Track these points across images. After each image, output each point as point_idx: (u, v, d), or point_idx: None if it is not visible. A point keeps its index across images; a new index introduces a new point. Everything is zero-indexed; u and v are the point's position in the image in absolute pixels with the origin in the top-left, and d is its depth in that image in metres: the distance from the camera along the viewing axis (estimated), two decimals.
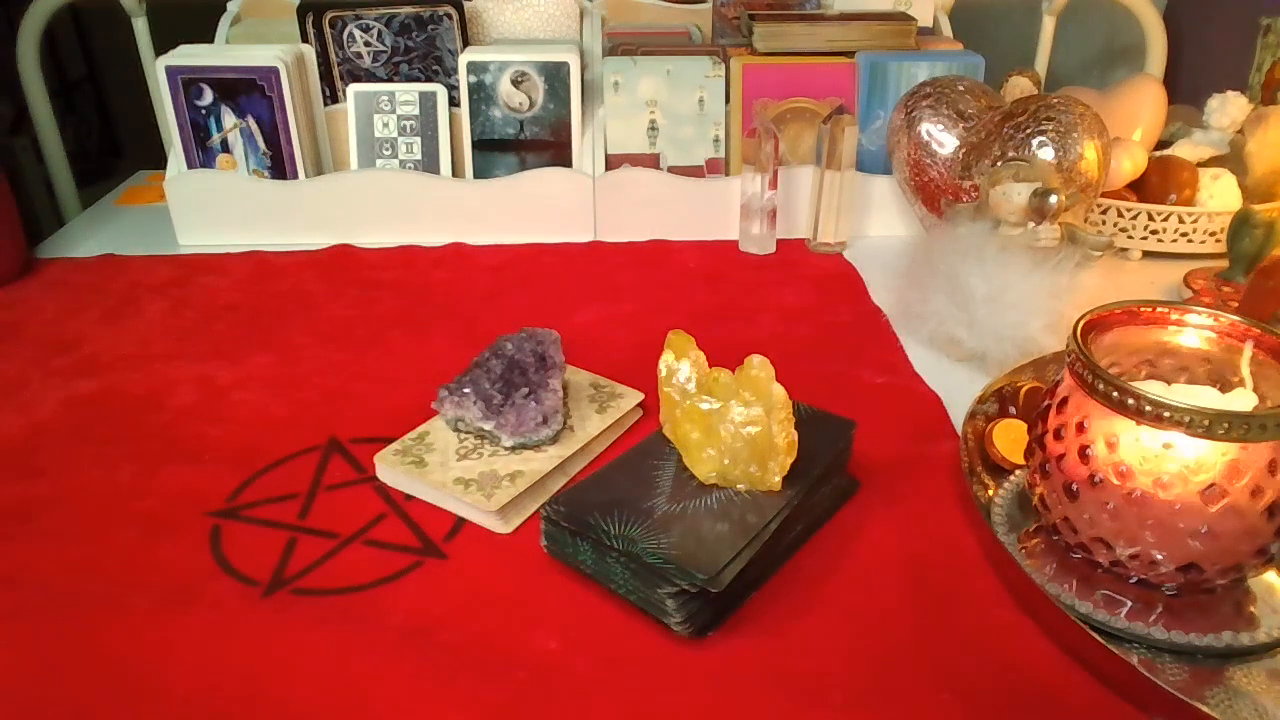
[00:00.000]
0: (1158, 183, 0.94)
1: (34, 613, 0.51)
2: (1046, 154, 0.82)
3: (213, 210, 1.00)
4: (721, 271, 0.94)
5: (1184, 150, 0.98)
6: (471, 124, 1.00)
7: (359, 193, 1.00)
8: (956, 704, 0.45)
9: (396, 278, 0.93)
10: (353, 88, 1.00)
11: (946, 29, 1.13)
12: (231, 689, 0.46)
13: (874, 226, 1.04)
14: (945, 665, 0.47)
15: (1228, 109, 0.98)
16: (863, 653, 0.48)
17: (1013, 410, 0.64)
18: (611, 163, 1.02)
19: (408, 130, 1.01)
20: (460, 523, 0.58)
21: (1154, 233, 0.94)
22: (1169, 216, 0.93)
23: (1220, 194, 0.93)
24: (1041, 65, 1.27)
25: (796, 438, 0.54)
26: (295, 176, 1.01)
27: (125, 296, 0.89)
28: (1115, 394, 0.45)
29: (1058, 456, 0.49)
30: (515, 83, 0.99)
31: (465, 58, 0.98)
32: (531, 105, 1.00)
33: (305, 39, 1.01)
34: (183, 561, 0.55)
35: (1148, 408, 0.44)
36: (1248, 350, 0.49)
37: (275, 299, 0.89)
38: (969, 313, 0.74)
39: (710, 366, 0.56)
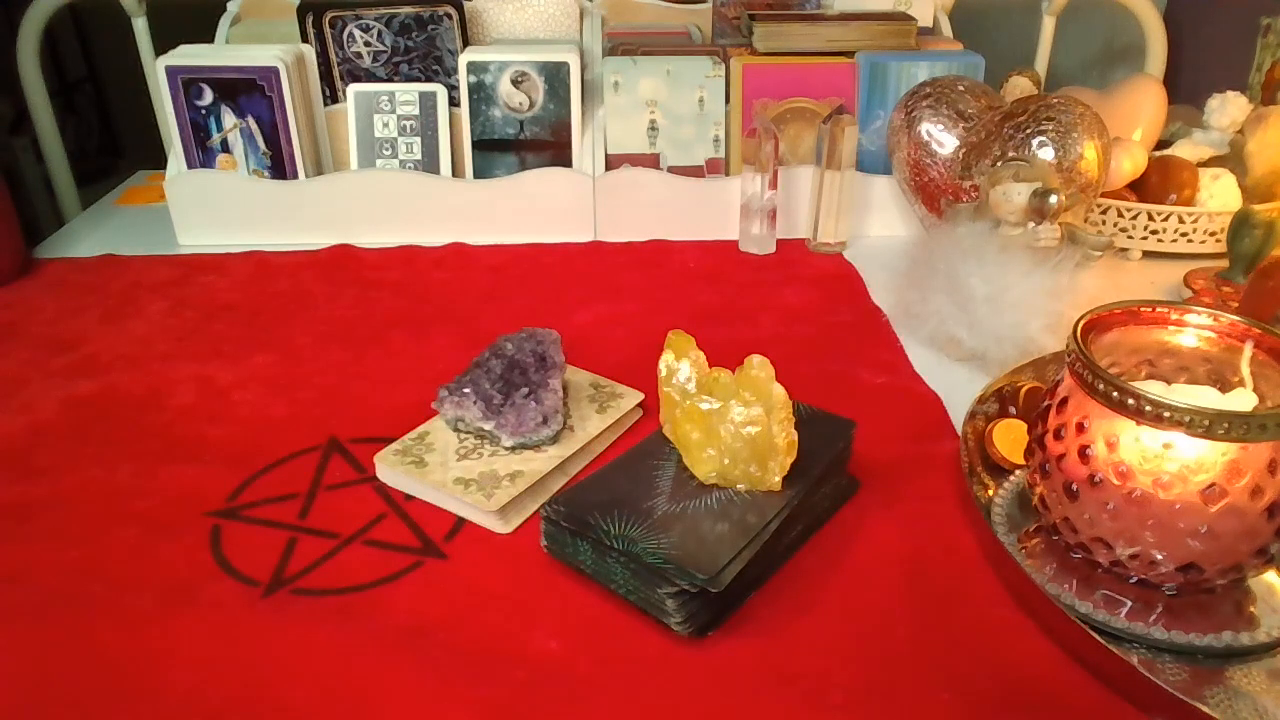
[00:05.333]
0: (1158, 183, 0.94)
1: (34, 613, 0.51)
2: (1046, 154, 0.82)
3: (213, 210, 1.00)
4: (721, 271, 0.94)
5: (1184, 150, 0.98)
6: (471, 124, 1.00)
7: (359, 193, 1.00)
8: (956, 704, 0.45)
9: (396, 278, 0.93)
10: (353, 88, 1.00)
11: (946, 29, 1.13)
12: (231, 689, 0.46)
13: (874, 226, 1.04)
14: (945, 665, 0.47)
15: (1228, 109, 0.98)
16: (863, 653, 0.48)
17: (1013, 410, 0.64)
18: (611, 163, 1.02)
19: (408, 130, 1.01)
20: (460, 523, 0.58)
21: (1154, 233, 0.94)
22: (1169, 216, 0.93)
23: (1220, 194, 0.93)
24: (1041, 65, 1.27)
25: (796, 438, 0.54)
26: (295, 176, 1.01)
27: (125, 296, 0.89)
28: (1115, 394, 0.45)
29: (1058, 456, 0.49)
30: (515, 83, 0.99)
31: (465, 58, 0.98)
32: (531, 105, 1.00)
33: (305, 39, 1.01)
34: (183, 561, 0.55)
35: (1148, 408, 0.44)
36: (1248, 350, 0.49)
37: (275, 299, 0.89)
38: (969, 313, 0.74)
39: (710, 366, 0.56)
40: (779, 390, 0.53)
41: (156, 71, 0.97)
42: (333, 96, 1.03)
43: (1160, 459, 0.45)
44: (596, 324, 0.83)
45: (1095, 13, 1.36)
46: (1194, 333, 0.51)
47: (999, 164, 0.82)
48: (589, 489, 0.55)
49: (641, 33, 1.12)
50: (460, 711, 0.45)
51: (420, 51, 1.02)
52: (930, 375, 0.74)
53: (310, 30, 1.01)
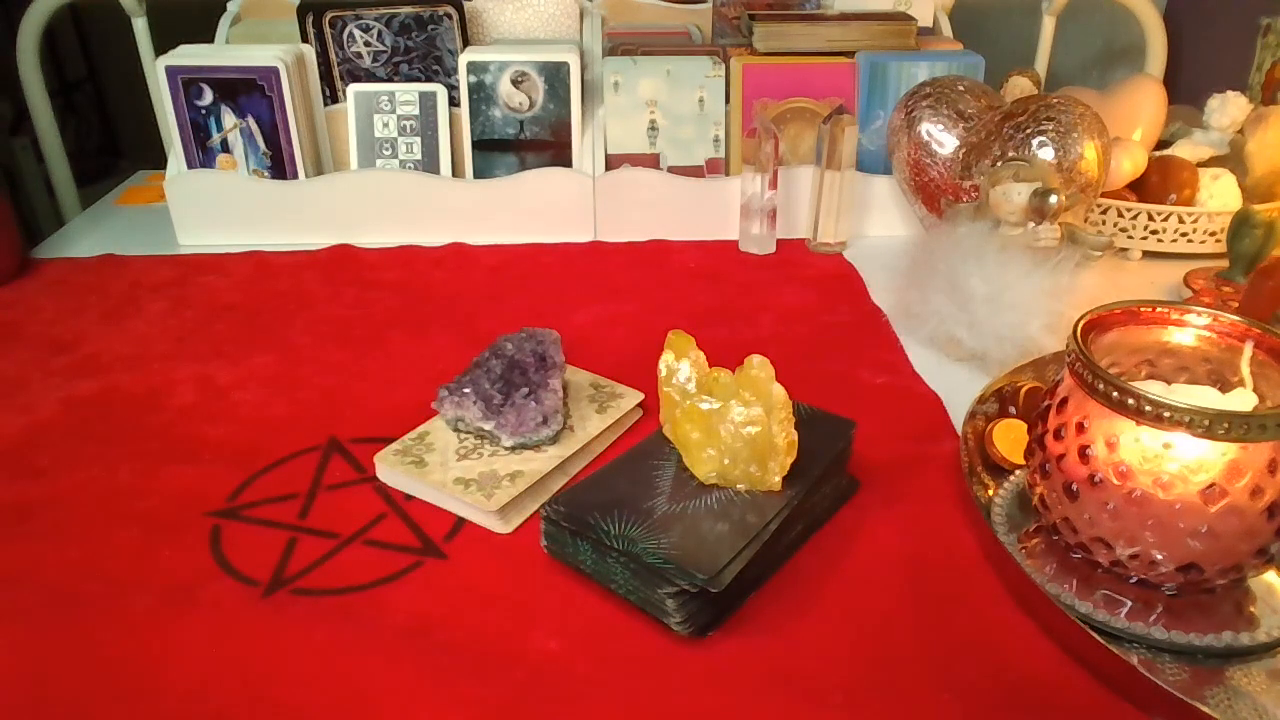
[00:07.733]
0: (1158, 183, 0.94)
1: (34, 613, 0.51)
2: (1046, 154, 0.82)
3: (213, 210, 1.00)
4: (721, 271, 0.94)
5: (1184, 150, 0.98)
6: (471, 124, 1.00)
7: (359, 193, 1.00)
8: (956, 704, 0.45)
9: (396, 278, 0.93)
10: (353, 88, 1.00)
11: (946, 29, 1.13)
12: (231, 689, 0.46)
13: (874, 226, 1.04)
14: (945, 665, 0.47)
15: (1228, 109, 0.98)
16: (863, 653, 0.48)
17: (1013, 410, 0.64)
18: (611, 163, 1.02)
19: (408, 130, 1.01)
20: (460, 523, 0.58)
21: (1154, 233, 0.94)
22: (1169, 216, 0.93)
23: (1220, 194, 0.93)
24: (1041, 65, 1.27)
25: (796, 438, 0.54)
26: (295, 176, 1.01)
27: (125, 296, 0.89)
28: (1115, 394, 0.45)
29: (1058, 456, 0.49)
30: (515, 83, 0.99)
31: (465, 58, 0.98)
32: (531, 105, 1.00)
33: (305, 39, 1.01)
34: (183, 561, 0.55)
35: (1148, 408, 0.44)
36: (1248, 350, 0.49)
37: (275, 299, 0.89)
38: (969, 313, 0.74)
39: (710, 366, 0.56)
40: (779, 390, 0.53)
41: (156, 71, 0.97)
42: (333, 96, 1.03)
43: (1160, 459, 0.45)
44: (596, 324, 0.83)
45: (1095, 13, 1.36)
46: (1194, 333, 0.51)
47: (999, 164, 0.82)
48: (589, 489, 0.55)
49: (641, 33, 1.12)
50: (460, 711, 0.45)
51: (420, 51, 1.02)
52: (930, 375, 0.74)
53: (310, 30, 1.01)
